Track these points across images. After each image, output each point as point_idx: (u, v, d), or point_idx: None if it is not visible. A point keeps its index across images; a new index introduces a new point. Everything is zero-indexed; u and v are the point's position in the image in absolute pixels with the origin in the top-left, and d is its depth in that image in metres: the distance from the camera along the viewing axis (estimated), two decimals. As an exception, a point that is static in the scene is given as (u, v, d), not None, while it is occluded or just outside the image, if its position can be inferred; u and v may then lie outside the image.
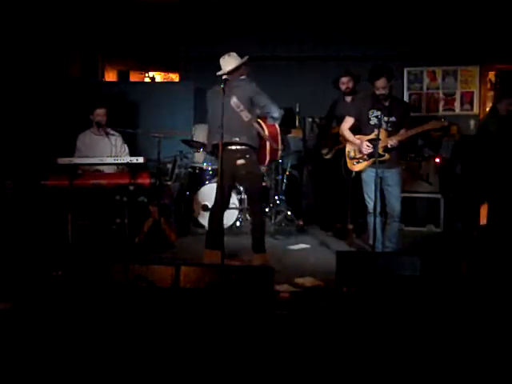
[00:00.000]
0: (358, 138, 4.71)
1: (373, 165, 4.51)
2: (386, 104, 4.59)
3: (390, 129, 4.60)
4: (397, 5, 6.71)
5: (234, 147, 4.42)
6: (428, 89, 7.03)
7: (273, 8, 6.91)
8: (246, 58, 4.51)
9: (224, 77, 4.17)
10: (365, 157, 4.66)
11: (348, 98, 5.79)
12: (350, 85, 5.75)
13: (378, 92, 4.55)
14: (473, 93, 6.94)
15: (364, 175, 4.74)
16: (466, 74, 6.95)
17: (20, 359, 2.67)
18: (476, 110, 6.94)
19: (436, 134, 6.60)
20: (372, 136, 4.58)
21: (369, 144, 4.60)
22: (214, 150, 4.57)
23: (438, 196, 6.26)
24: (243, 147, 4.42)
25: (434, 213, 6.23)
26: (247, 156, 4.44)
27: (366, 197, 4.75)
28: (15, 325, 3.09)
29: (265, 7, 6.89)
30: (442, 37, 6.76)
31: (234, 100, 4.33)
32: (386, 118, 4.57)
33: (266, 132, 4.53)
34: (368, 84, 4.76)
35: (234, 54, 4.51)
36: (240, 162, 4.43)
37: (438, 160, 6.35)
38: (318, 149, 6.17)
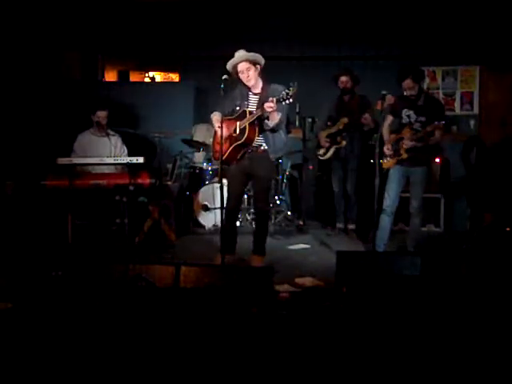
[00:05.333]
0: (390, 137, 4.81)
1: (399, 163, 4.70)
2: (420, 103, 4.65)
3: (418, 128, 4.63)
4: (397, 5, 6.70)
5: None
6: (428, 89, 7.01)
7: (273, 8, 6.90)
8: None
9: (224, 77, 4.12)
10: (390, 154, 4.78)
11: (345, 98, 5.78)
12: (349, 84, 5.71)
13: (405, 93, 4.63)
14: (473, 93, 6.94)
15: (390, 171, 4.84)
16: (466, 74, 6.96)
17: (20, 359, 2.67)
18: (476, 110, 6.94)
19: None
20: (400, 135, 4.69)
21: (389, 147, 4.73)
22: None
23: (438, 196, 6.26)
24: None
25: (434, 213, 6.23)
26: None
27: (385, 193, 4.83)
28: (15, 325, 3.09)
29: (265, 7, 6.89)
30: (441, 37, 6.76)
31: None
32: (414, 117, 4.65)
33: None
34: (366, 86, 4.79)
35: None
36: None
37: (438, 160, 6.35)
38: (315, 149, 6.16)
